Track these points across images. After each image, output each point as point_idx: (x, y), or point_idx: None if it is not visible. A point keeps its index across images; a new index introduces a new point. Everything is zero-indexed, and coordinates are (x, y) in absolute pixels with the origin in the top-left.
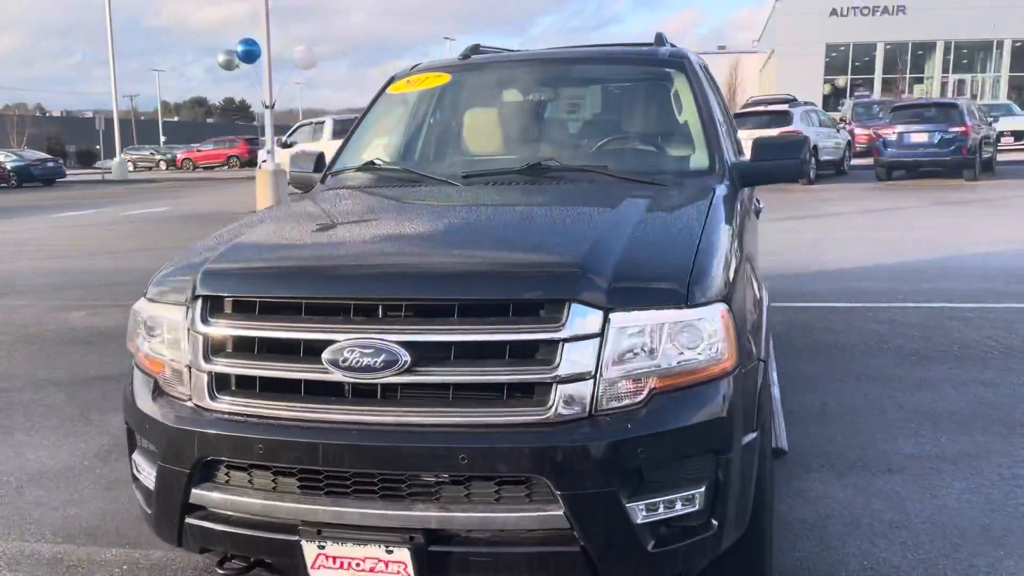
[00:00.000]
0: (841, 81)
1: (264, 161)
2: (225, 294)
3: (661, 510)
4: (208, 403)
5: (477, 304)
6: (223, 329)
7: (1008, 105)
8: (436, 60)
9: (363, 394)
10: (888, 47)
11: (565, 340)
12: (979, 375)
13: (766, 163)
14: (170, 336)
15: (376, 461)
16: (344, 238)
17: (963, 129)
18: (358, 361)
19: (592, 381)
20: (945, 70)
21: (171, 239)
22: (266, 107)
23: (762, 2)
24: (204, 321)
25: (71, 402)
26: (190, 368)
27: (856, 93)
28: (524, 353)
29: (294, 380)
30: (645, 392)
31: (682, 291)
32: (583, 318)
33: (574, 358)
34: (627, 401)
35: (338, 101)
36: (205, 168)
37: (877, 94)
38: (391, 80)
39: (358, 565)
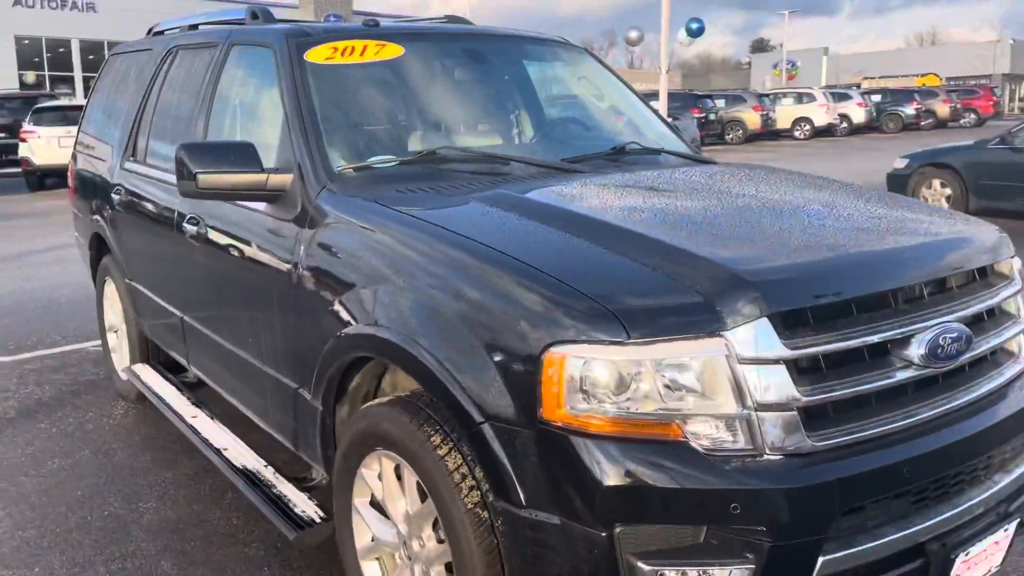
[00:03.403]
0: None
1: None
2: (797, 307)
3: None
4: (808, 444)
5: (968, 273)
6: (808, 349)
7: None
8: (338, 25)
9: (940, 382)
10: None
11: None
12: None
13: None
14: (702, 378)
15: (982, 446)
16: (779, 227)
17: None
18: (951, 348)
19: None
20: None
21: None
22: None
23: None
24: (784, 344)
25: None
26: (753, 411)
27: (59, 90)
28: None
29: (885, 388)
30: None
31: None
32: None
33: None
34: None
35: None
36: None
37: (80, 94)
38: (300, 48)
39: (983, 555)
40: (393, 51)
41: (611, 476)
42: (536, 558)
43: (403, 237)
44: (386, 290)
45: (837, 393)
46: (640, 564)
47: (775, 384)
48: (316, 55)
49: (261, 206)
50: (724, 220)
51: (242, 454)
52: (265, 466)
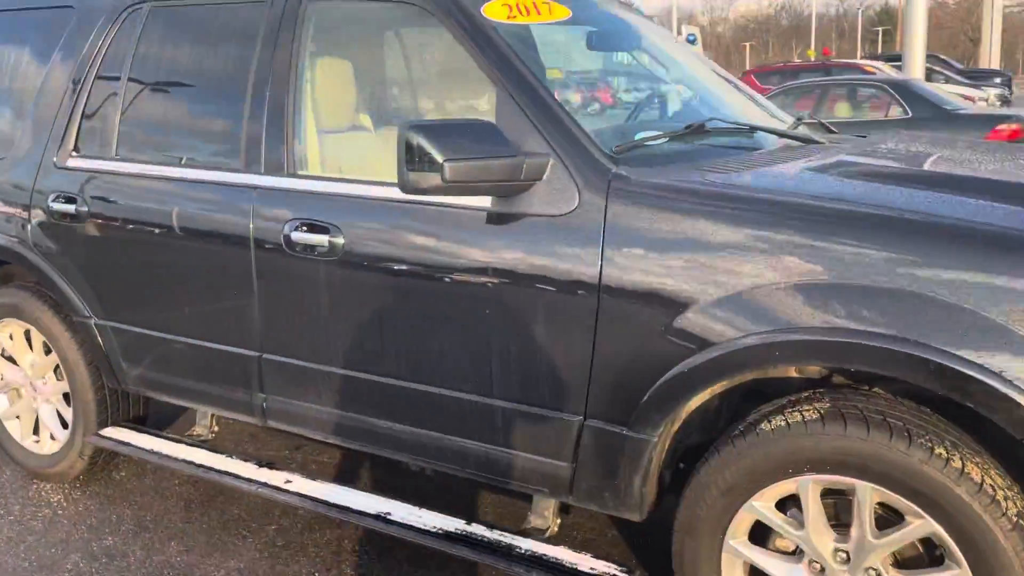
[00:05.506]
0: None
1: None
2: None
3: None
4: None
5: None
6: None
7: None
8: None
9: None
10: None
11: None
12: None
13: None
14: None
15: None
16: None
17: None
18: None
19: None
20: None
21: None
22: None
23: None
24: None
25: None
26: None
27: None
28: None
29: None
30: None
31: None
32: None
33: None
34: None
35: None
36: None
37: None
38: (475, 2)
39: None
40: (561, 12)
41: None
42: None
43: (821, 223)
44: (825, 287)
45: None
46: None
47: None
48: (494, 12)
49: (483, 202)
50: None
51: (420, 514)
52: (468, 523)
